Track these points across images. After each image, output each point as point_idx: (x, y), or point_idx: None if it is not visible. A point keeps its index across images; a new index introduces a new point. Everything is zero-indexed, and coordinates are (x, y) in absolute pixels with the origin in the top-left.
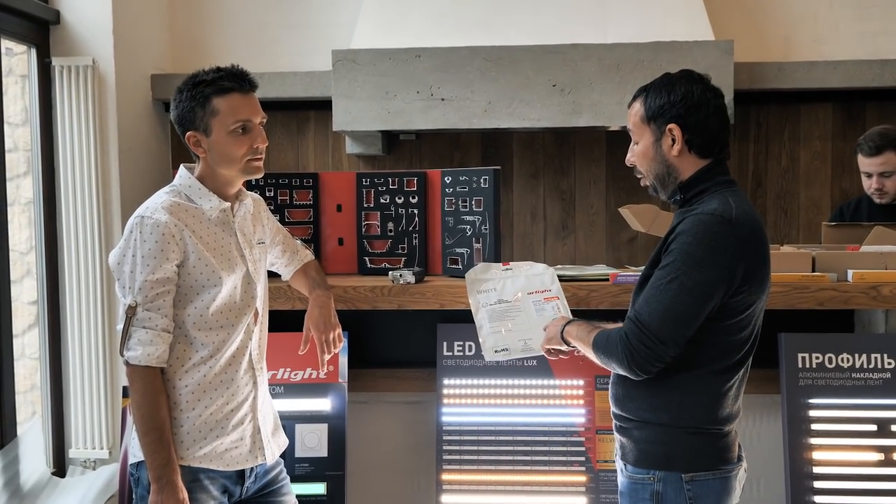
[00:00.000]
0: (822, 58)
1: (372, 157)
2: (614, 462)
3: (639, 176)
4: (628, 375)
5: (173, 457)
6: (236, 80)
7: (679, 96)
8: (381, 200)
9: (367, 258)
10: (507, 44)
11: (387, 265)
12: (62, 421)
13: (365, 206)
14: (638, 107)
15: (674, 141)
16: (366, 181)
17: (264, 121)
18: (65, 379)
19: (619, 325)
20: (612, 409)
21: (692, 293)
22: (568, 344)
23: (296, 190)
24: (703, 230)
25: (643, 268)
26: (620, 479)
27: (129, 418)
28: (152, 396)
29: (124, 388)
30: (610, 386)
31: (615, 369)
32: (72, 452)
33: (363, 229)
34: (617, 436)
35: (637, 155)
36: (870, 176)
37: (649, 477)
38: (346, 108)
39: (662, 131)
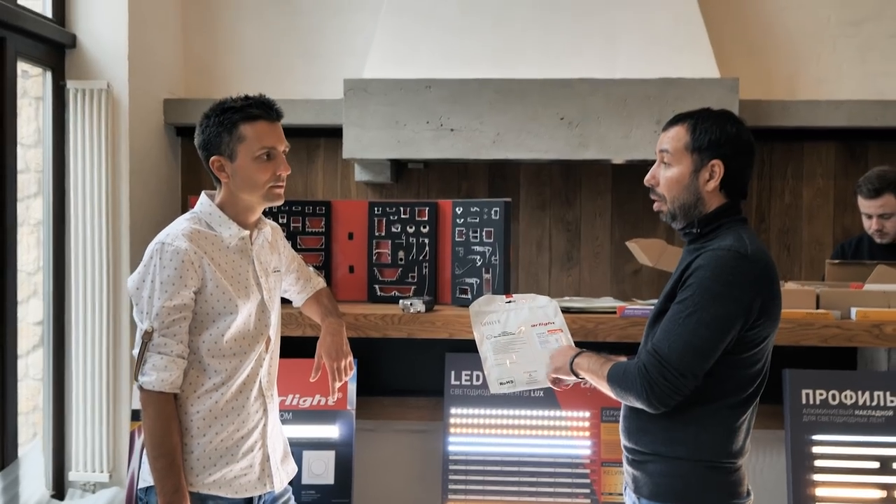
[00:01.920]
0: (825, 97)
1: (380, 184)
2: (620, 494)
3: (654, 199)
4: (645, 408)
5: (183, 483)
6: (264, 109)
7: (730, 136)
8: (393, 229)
9: (377, 286)
10: (516, 76)
11: (397, 293)
12: (63, 443)
13: (376, 234)
14: (682, 133)
15: (711, 176)
16: (377, 210)
17: (287, 150)
18: (67, 401)
19: (626, 357)
20: (624, 442)
21: (711, 327)
22: (577, 375)
23: (308, 217)
24: (722, 265)
25: (651, 301)
26: None
27: (138, 441)
28: (164, 422)
29: (134, 412)
30: (621, 419)
31: (632, 402)
32: (72, 475)
33: (374, 257)
34: (629, 469)
35: (667, 179)
36: (870, 217)
37: None
38: (356, 136)
39: (704, 164)
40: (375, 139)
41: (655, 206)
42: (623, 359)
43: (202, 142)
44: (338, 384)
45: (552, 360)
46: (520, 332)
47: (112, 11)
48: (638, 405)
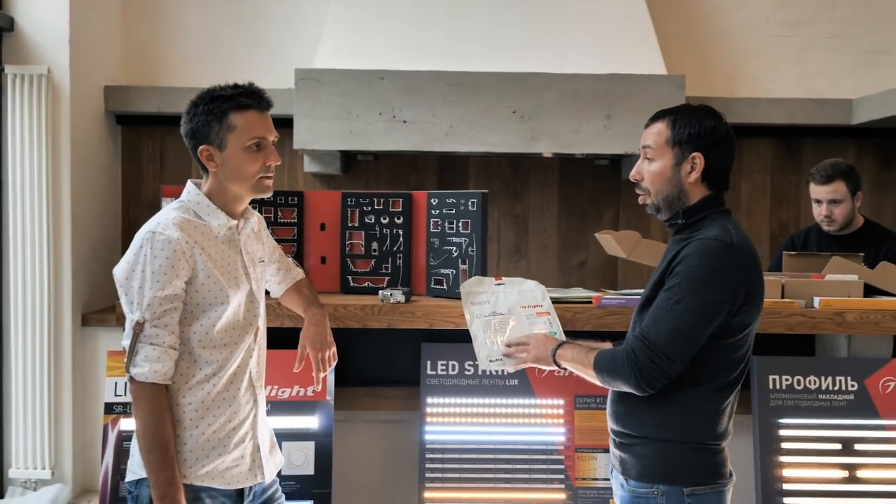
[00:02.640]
0: (763, 95)
1: (329, 176)
2: (594, 479)
3: (640, 192)
4: (633, 391)
5: (177, 475)
6: (255, 98)
7: (708, 129)
8: (366, 220)
9: (350, 277)
10: (469, 69)
11: (370, 284)
12: (1, 439)
13: (349, 225)
14: (663, 128)
15: (693, 168)
16: (350, 201)
17: (276, 139)
18: (6, 397)
19: (609, 344)
20: (611, 425)
21: (697, 313)
22: (559, 366)
23: (280, 208)
24: (708, 254)
25: (624, 291)
26: (620, 494)
27: (111, 435)
28: (158, 414)
29: (106, 405)
30: (608, 404)
31: (619, 387)
32: (11, 472)
33: (347, 248)
34: (616, 452)
35: (650, 173)
36: (820, 203)
37: (653, 491)
38: (307, 126)
39: (685, 157)
40: (327, 130)
41: (640, 200)
42: (606, 346)
43: (190, 130)
44: (322, 375)
45: (531, 350)
46: (509, 312)
47: None
48: (625, 389)
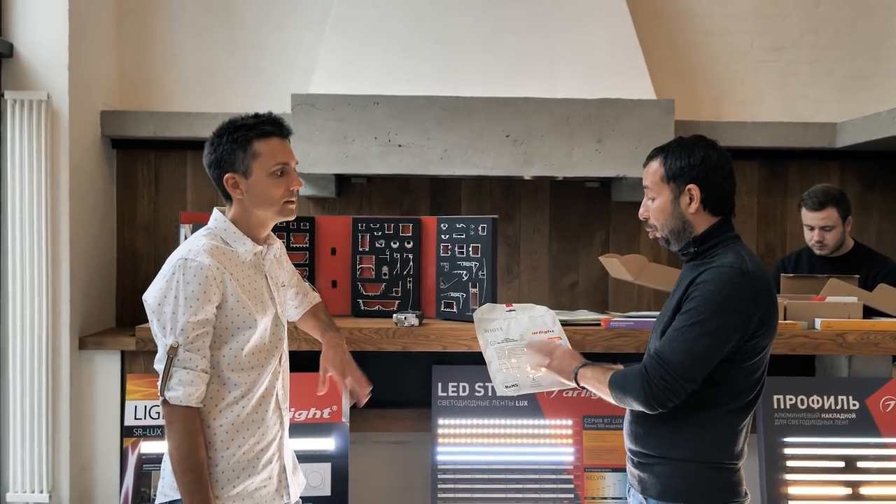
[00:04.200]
0: (747, 118)
1: (322, 199)
2: (603, 499)
3: (648, 229)
4: (643, 409)
5: (211, 496)
6: (276, 126)
7: (698, 159)
8: (377, 245)
9: (360, 300)
10: (461, 95)
11: (380, 308)
12: (0, 463)
13: (360, 249)
14: (657, 166)
15: (691, 199)
16: (361, 226)
17: (297, 164)
18: (4, 420)
19: (621, 366)
20: (629, 445)
21: (713, 335)
22: (578, 384)
23: (293, 233)
24: (725, 281)
25: (632, 314)
26: None
27: (131, 458)
28: (192, 437)
29: (126, 429)
30: (626, 425)
31: (630, 404)
32: (9, 496)
33: (357, 272)
34: (635, 471)
35: (654, 210)
36: (812, 229)
37: None
38: (304, 151)
39: (682, 190)
40: (323, 154)
41: (651, 235)
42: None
43: (214, 160)
44: (364, 400)
45: (555, 359)
46: (521, 339)
47: (51, 21)
48: (636, 406)
